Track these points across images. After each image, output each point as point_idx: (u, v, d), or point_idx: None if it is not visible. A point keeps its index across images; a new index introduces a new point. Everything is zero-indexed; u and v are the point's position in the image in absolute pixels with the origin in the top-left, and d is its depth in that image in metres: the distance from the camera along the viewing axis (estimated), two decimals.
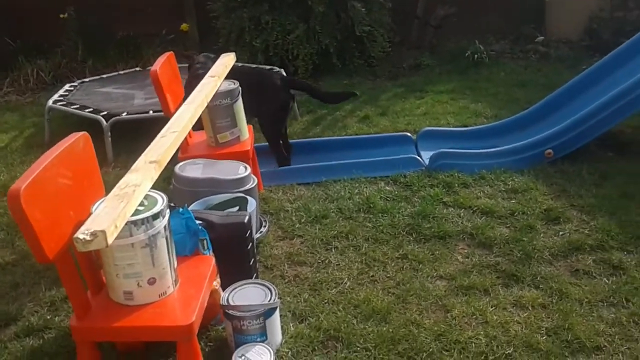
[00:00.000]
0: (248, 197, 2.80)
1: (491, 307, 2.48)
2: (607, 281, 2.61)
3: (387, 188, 3.57)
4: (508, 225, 3.10)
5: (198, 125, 3.19)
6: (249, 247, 2.50)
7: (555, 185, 3.45)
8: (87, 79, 5.46)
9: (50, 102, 4.67)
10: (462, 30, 6.54)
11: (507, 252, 2.86)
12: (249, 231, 2.49)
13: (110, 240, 1.70)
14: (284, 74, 4.16)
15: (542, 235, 2.98)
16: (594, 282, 2.61)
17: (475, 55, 6.06)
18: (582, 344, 2.25)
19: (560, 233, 2.99)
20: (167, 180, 3.11)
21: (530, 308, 2.46)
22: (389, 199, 3.43)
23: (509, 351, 2.24)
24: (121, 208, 1.80)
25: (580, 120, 3.72)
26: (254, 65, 4.78)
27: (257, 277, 2.57)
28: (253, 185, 2.98)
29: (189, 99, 2.89)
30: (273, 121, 3.78)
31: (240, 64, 4.16)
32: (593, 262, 2.75)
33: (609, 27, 6.34)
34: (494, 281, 2.65)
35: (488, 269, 2.75)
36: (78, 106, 4.56)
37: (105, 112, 4.35)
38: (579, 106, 4.00)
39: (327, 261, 2.87)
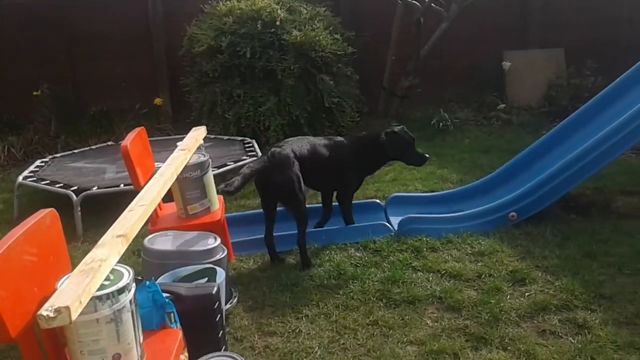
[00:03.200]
0: (217, 268, 2.81)
1: None
2: (572, 340, 2.65)
3: (357, 254, 3.61)
4: (476, 287, 3.15)
5: (169, 197, 3.23)
6: (217, 318, 2.49)
7: (520, 247, 3.54)
8: (58, 155, 5.50)
9: (20, 178, 4.68)
10: (427, 99, 6.82)
11: (476, 314, 2.89)
12: (217, 302, 2.49)
13: (74, 317, 1.69)
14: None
15: (508, 296, 3.03)
16: (560, 342, 2.65)
17: (441, 123, 6.29)
18: None
19: (527, 294, 3.05)
20: (138, 253, 3.11)
21: None
22: (359, 265, 3.47)
23: None
24: (86, 283, 1.80)
25: (540, 183, 3.86)
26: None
27: (226, 349, 2.55)
28: (222, 256, 3.00)
29: (158, 172, 2.94)
30: None
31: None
32: (559, 321, 2.80)
33: (566, 93, 6.68)
34: (463, 344, 2.67)
35: (457, 332, 2.77)
36: (48, 182, 4.58)
37: (75, 187, 4.37)
38: (540, 170, 4.16)
39: (297, 330, 2.87)
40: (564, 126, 4.52)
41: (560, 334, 2.71)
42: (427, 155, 3.86)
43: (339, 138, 3.94)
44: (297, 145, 3.61)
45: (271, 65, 5.86)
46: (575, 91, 6.59)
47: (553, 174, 3.88)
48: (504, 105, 6.89)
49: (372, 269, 3.40)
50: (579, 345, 2.60)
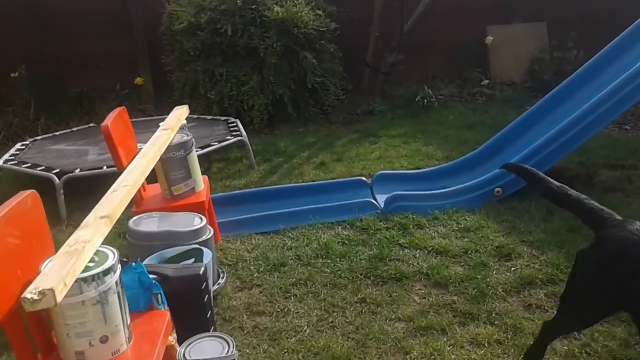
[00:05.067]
0: (203, 249, 2.79)
1: (449, 347, 2.50)
2: None
3: (344, 232, 3.60)
4: (462, 263, 3.17)
5: (154, 179, 3.19)
6: (205, 299, 2.48)
7: (505, 222, 3.56)
8: (39, 137, 5.39)
9: (0, 161, 4.59)
10: (412, 76, 6.79)
11: (462, 290, 2.91)
12: (204, 283, 2.47)
13: (59, 299, 1.66)
14: None
15: (495, 272, 3.05)
16: (546, 315, 2.67)
17: (425, 100, 6.27)
18: None
19: (512, 269, 3.07)
20: (123, 236, 3.08)
21: (486, 345, 2.50)
22: (346, 243, 3.47)
23: None
24: (70, 265, 1.77)
25: (524, 158, 3.86)
26: None
27: (214, 330, 2.54)
28: (209, 237, 2.98)
29: (141, 152, 2.90)
30: None
31: None
32: (544, 295, 2.83)
33: (549, 67, 6.68)
34: (451, 320, 2.69)
35: (444, 308, 2.79)
36: (30, 165, 4.49)
37: (57, 170, 4.29)
38: (524, 145, 4.17)
39: (286, 310, 2.86)
40: (546, 101, 4.52)
41: (546, 308, 2.73)
42: None
43: None
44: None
45: (253, 42, 5.77)
46: (558, 65, 6.58)
47: (536, 149, 3.88)
48: (487, 80, 6.89)
49: (360, 247, 3.40)
50: None
